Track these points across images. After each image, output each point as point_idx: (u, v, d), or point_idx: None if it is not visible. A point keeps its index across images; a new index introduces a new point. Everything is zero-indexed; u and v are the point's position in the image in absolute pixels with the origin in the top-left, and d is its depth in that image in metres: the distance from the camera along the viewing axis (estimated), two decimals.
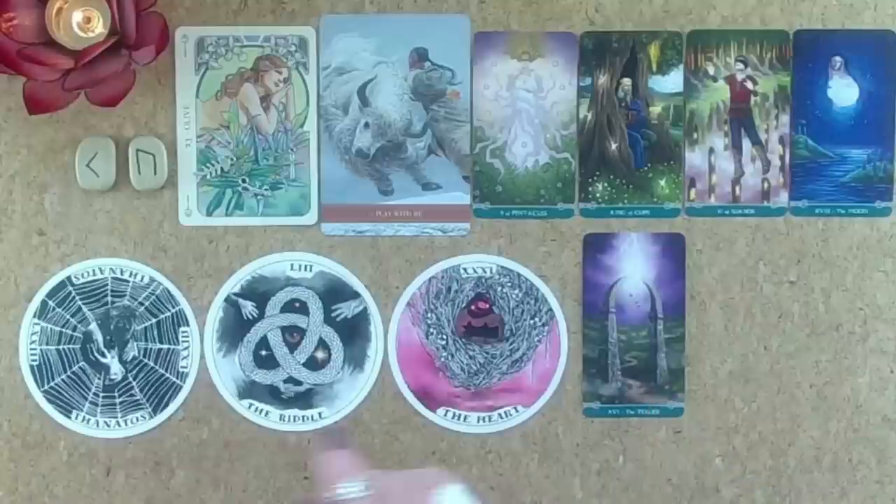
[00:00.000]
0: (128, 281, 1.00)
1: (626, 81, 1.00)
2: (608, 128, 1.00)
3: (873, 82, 1.00)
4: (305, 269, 1.00)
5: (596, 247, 1.00)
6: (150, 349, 1.00)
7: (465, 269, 1.00)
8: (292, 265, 1.00)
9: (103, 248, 1.00)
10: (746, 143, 1.00)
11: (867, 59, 1.00)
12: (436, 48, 0.99)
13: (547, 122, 1.00)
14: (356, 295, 1.00)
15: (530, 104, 1.00)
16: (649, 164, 1.00)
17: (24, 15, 0.92)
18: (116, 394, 1.00)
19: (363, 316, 1.01)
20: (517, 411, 1.01)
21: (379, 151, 1.00)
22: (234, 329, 1.00)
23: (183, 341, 1.00)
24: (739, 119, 1.00)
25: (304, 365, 1.01)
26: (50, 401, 1.00)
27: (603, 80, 1.00)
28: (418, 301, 1.00)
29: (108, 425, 1.00)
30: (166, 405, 1.00)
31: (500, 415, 1.01)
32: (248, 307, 1.00)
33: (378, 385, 1.01)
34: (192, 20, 0.99)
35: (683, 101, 1.00)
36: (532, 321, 1.01)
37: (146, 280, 1.00)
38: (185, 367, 1.00)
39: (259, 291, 1.00)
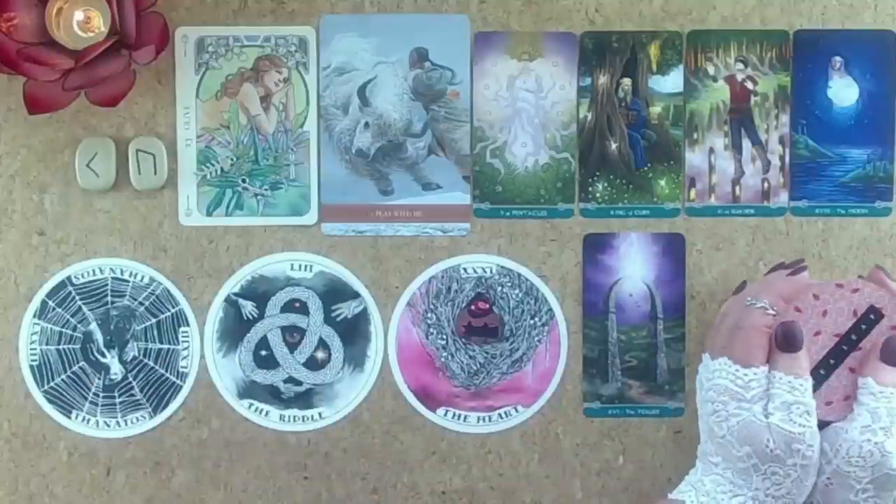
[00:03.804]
0: (128, 281, 1.00)
1: (626, 81, 1.00)
2: (608, 128, 1.00)
3: (873, 82, 1.00)
4: (305, 269, 1.00)
5: (596, 247, 1.00)
6: (150, 349, 1.00)
7: (465, 269, 1.00)
8: (292, 265, 1.00)
9: (103, 248, 1.00)
10: (746, 143, 1.00)
11: (867, 59, 1.00)
12: (436, 48, 0.99)
13: (547, 122, 1.00)
14: (356, 295, 1.00)
15: (530, 104, 1.00)
16: (649, 164, 1.00)
17: (24, 15, 0.92)
18: (116, 394, 1.00)
19: (363, 316, 1.00)
20: (517, 411, 1.01)
21: (379, 151, 1.00)
22: (234, 329, 1.00)
23: (183, 341, 1.00)
24: (739, 119, 1.00)
25: (304, 365, 1.00)
26: (50, 401, 1.00)
27: (603, 80, 1.00)
28: (418, 301, 1.00)
29: (108, 425, 1.00)
30: (166, 405, 1.00)
31: (500, 415, 1.01)
32: (248, 307, 1.00)
33: (378, 385, 1.01)
34: (192, 20, 0.99)
35: (683, 101, 1.00)
36: (532, 321, 1.01)
37: (146, 280, 1.00)
38: (185, 367, 1.00)
39: (259, 291, 1.00)
